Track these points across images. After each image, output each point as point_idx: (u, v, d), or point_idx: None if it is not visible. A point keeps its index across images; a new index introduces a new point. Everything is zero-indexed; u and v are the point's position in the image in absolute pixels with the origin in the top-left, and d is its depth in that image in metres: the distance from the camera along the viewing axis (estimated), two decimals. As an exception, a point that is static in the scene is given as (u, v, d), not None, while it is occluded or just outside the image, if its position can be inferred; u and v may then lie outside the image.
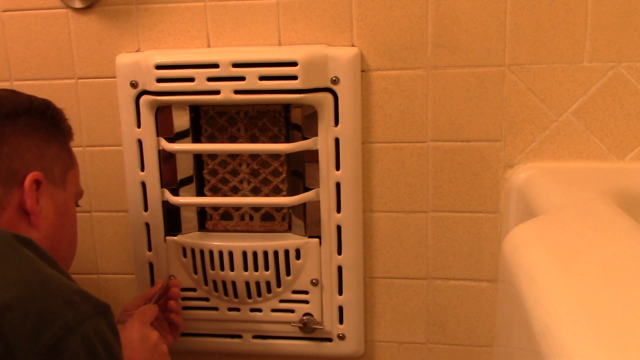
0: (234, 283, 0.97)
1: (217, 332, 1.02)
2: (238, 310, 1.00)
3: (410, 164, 0.95)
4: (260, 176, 0.99)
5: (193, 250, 0.97)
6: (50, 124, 0.76)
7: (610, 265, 0.56)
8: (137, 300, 0.93)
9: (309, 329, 0.98)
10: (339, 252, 0.96)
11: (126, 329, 0.82)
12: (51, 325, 0.56)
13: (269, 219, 1.00)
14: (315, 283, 0.97)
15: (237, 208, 1.00)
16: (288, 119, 0.95)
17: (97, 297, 0.62)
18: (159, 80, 0.90)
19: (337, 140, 0.92)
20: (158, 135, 0.95)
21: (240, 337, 1.02)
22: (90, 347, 0.57)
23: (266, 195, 0.99)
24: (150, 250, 1.00)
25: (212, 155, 0.99)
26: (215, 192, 1.00)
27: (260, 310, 1.00)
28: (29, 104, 0.75)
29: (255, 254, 0.96)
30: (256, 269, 0.96)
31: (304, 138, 0.93)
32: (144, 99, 0.94)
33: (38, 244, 0.63)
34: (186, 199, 0.97)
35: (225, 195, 1.00)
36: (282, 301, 0.99)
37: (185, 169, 0.97)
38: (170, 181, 0.97)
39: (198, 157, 0.99)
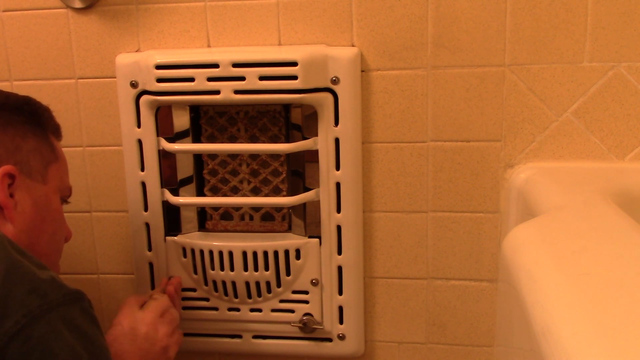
0: (234, 283, 0.97)
1: (217, 332, 1.02)
2: (238, 310, 1.00)
3: (410, 164, 0.95)
4: (260, 176, 0.99)
5: (193, 251, 0.97)
6: (28, 119, 0.76)
7: (610, 265, 0.56)
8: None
9: (309, 329, 0.98)
10: (339, 252, 0.96)
11: (137, 320, 0.83)
12: (14, 314, 0.56)
13: (269, 219, 1.00)
14: (315, 283, 0.97)
15: (237, 208, 1.00)
16: (288, 119, 0.95)
17: (69, 286, 0.62)
18: (159, 80, 0.90)
19: (337, 140, 0.92)
20: (158, 135, 0.95)
21: (240, 337, 1.02)
22: (58, 334, 0.57)
23: (266, 195, 0.99)
24: (150, 250, 1.00)
25: (212, 155, 0.99)
26: (215, 192, 1.00)
27: (260, 310, 1.00)
28: (5, 99, 0.75)
29: (255, 254, 0.96)
30: (256, 269, 0.96)
31: (304, 138, 0.93)
32: (144, 99, 0.94)
33: (3, 234, 0.64)
34: (186, 199, 0.97)
35: (225, 195, 1.00)
36: (282, 301, 0.99)
37: (185, 169, 0.97)
38: (170, 181, 0.97)
39: (198, 157, 0.99)
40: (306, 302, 0.98)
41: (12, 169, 0.70)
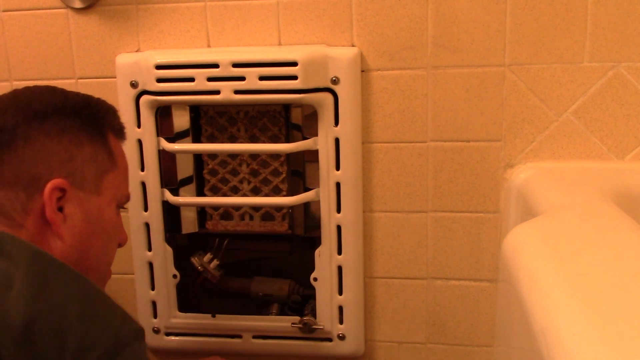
0: (234, 283, 0.98)
1: (217, 332, 1.02)
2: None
3: (410, 164, 0.95)
4: (260, 176, 0.99)
5: (193, 250, 0.97)
6: (85, 124, 0.70)
7: (610, 265, 0.56)
8: None
9: (309, 329, 0.98)
10: (339, 252, 0.96)
11: None
12: (90, 354, 0.54)
13: (269, 219, 1.00)
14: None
15: (237, 208, 1.00)
16: (288, 119, 0.95)
17: (134, 319, 0.61)
18: (159, 80, 0.90)
19: (337, 140, 0.92)
20: (158, 135, 0.95)
21: (240, 337, 1.02)
22: None
23: (266, 195, 0.99)
24: (150, 250, 1.00)
25: (212, 155, 0.99)
26: (215, 192, 1.00)
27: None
28: (63, 102, 0.69)
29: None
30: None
31: (304, 138, 0.93)
32: (144, 99, 0.94)
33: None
34: (186, 199, 0.97)
35: (225, 195, 1.00)
36: (282, 301, 0.99)
37: (185, 169, 0.97)
38: (170, 181, 0.97)
39: (198, 157, 0.99)
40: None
41: (62, 182, 0.66)
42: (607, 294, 0.51)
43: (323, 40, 0.93)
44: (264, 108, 0.96)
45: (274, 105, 0.96)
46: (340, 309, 0.98)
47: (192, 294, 1.01)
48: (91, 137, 0.70)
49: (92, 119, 0.71)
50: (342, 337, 0.99)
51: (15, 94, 0.69)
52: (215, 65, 0.89)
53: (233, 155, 0.99)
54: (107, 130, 0.73)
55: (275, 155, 0.98)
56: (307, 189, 0.95)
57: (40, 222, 0.65)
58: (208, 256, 0.97)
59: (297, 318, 0.98)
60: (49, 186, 0.65)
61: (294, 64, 0.87)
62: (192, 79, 0.90)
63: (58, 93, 0.70)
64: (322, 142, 0.92)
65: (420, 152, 0.94)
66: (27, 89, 0.71)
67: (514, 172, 0.92)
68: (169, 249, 0.98)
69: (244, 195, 1.00)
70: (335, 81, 0.90)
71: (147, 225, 0.99)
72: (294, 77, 0.88)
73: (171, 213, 0.98)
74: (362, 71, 0.92)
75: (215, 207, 1.01)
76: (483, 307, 0.98)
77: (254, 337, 1.01)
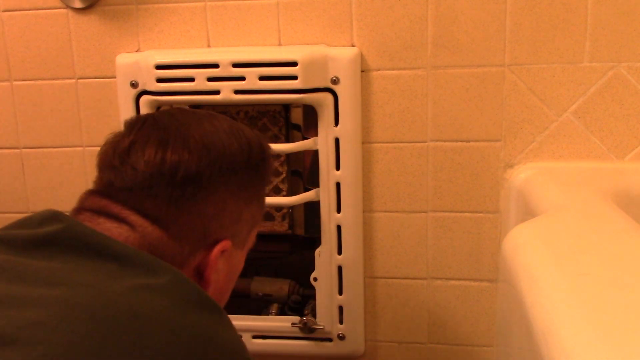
0: (234, 283, 0.97)
1: (217, 332, 1.02)
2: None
3: (410, 164, 0.95)
4: (260, 176, 0.99)
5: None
6: (260, 180, 0.67)
7: (610, 265, 0.56)
8: None
9: (308, 329, 0.98)
10: (339, 252, 0.96)
11: None
12: None
13: (269, 219, 1.00)
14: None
15: (237, 208, 1.00)
16: (288, 119, 0.95)
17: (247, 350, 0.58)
18: (159, 80, 0.90)
19: (337, 140, 0.92)
20: (158, 135, 0.95)
21: (239, 337, 1.01)
22: None
23: (266, 195, 0.99)
24: (150, 250, 1.00)
25: (212, 155, 0.99)
26: (215, 192, 1.00)
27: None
28: (248, 155, 0.64)
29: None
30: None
31: (304, 138, 0.93)
32: (144, 99, 0.94)
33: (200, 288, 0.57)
34: (186, 199, 0.97)
35: (225, 195, 1.00)
36: (282, 301, 0.99)
37: (185, 169, 0.97)
38: (170, 181, 0.97)
39: (198, 157, 0.99)
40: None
41: (229, 245, 0.62)
42: (607, 294, 0.51)
43: (323, 40, 0.93)
44: (264, 108, 0.96)
45: (273, 105, 0.96)
46: (340, 309, 0.98)
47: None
48: (259, 193, 0.67)
49: (264, 175, 0.67)
50: (342, 337, 0.99)
51: (205, 135, 0.62)
52: (215, 65, 0.89)
53: (233, 155, 0.99)
54: (267, 185, 0.69)
55: (275, 155, 0.98)
56: (307, 189, 0.95)
57: (191, 275, 0.61)
58: (208, 256, 0.97)
59: (297, 318, 0.98)
60: (219, 248, 0.61)
61: (294, 64, 0.87)
62: (192, 79, 0.90)
63: (243, 140, 0.64)
64: (322, 142, 0.92)
65: (420, 152, 0.94)
66: (213, 127, 0.63)
67: (514, 172, 0.92)
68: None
69: (244, 195, 1.00)
70: (335, 81, 0.90)
71: (147, 225, 0.99)
72: (294, 77, 0.88)
73: (171, 213, 0.98)
74: (362, 71, 0.92)
75: (215, 207, 1.01)
76: (483, 307, 0.98)
77: (254, 337, 1.01)
